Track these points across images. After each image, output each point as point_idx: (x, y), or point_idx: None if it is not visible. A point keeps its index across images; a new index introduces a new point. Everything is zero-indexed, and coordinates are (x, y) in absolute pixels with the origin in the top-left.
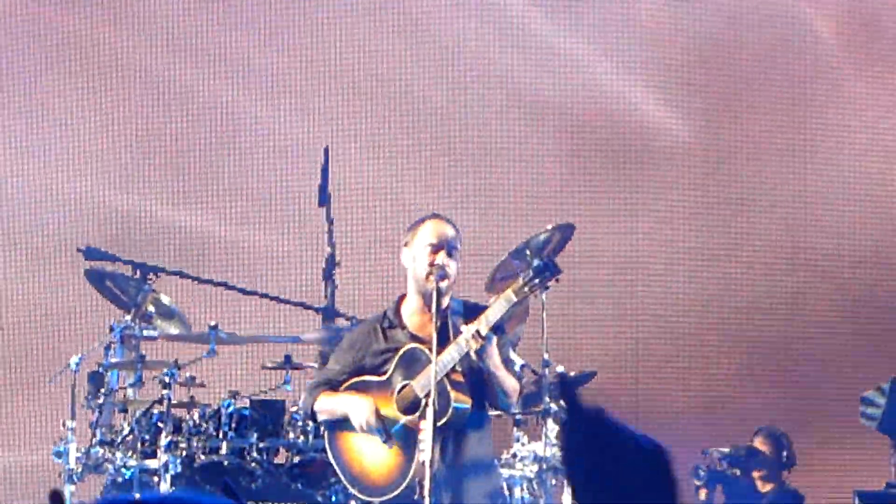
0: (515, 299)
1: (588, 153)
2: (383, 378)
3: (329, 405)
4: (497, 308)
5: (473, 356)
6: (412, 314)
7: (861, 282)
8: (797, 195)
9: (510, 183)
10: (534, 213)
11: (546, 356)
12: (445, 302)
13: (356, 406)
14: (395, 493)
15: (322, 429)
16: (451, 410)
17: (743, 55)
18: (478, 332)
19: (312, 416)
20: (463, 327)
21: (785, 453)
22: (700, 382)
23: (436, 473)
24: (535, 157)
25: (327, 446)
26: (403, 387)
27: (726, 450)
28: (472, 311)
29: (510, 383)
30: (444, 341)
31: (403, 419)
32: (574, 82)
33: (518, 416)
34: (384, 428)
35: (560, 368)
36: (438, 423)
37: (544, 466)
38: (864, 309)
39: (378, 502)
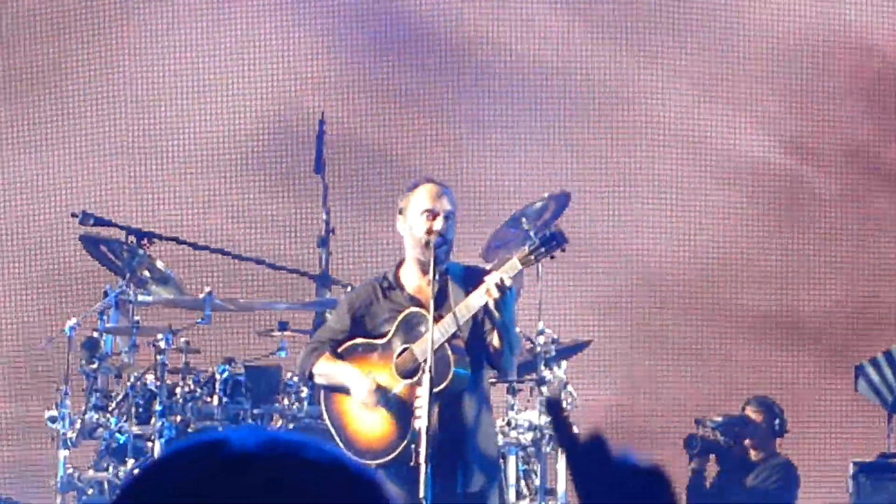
0: (521, 267)
1: (586, 121)
2: (383, 341)
3: (328, 371)
4: (504, 275)
5: (492, 307)
6: (410, 279)
7: (860, 251)
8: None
9: (507, 150)
10: (530, 181)
11: (541, 325)
12: (444, 266)
13: (356, 383)
14: (391, 457)
15: (317, 394)
16: (450, 376)
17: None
18: (502, 280)
19: (308, 377)
20: (488, 277)
21: (777, 422)
22: (694, 351)
23: (433, 438)
24: (533, 125)
25: (323, 408)
26: (403, 350)
27: (719, 419)
28: (472, 274)
29: (517, 342)
30: (442, 306)
31: (402, 383)
32: (573, 50)
33: (513, 384)
34: (383, 390)
35: (555, 336)
36: (437, 389)
37: (539, 434)
38: (861, 278)
39: (374, 465)
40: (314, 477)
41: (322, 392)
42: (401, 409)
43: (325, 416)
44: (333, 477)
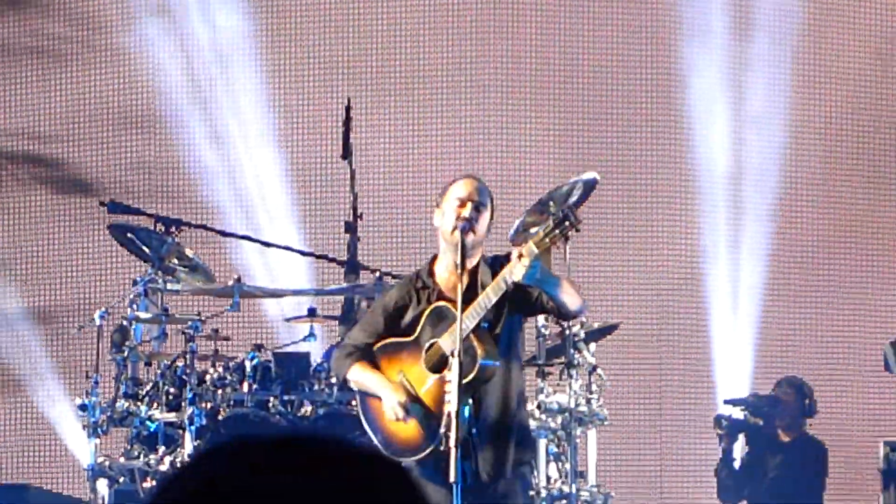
0: (537, 251)
1: (613, 107)
2: (412, 338)
3: (361, 380)
4: (527, 253)
5: (522, 282)
6: (443, 274)
7: (888, 229)
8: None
9: (535, 135)
10: (558, 166)
11: None
12: (474, 261)
13: (386, 398)
14: (426, 452)
15: (354, 396)
16: (477, 367)
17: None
18: (520, 255)
19: (343, 381)
20: (513, 255)
21: (807, 402)
22: (723, 333)
23: (468, 429)
24: (559, 111)
25: (359, 409)
26: (432, 345)
27: (749, 399)
28: (497, 263)
29: (566, 286)
30: (471, 300)
31: (431, 378)
32: (605, 32)
33: (543, 368)
34: (413, 387)
35: (584, 320)
36: (465, 380)
37: (569, 417)
38: (891, 258)
39: (412, 461)
40: (342, 475)
41: (358, 395)
42: (433, 404)
43: (362, 416)
44: (361, 473)
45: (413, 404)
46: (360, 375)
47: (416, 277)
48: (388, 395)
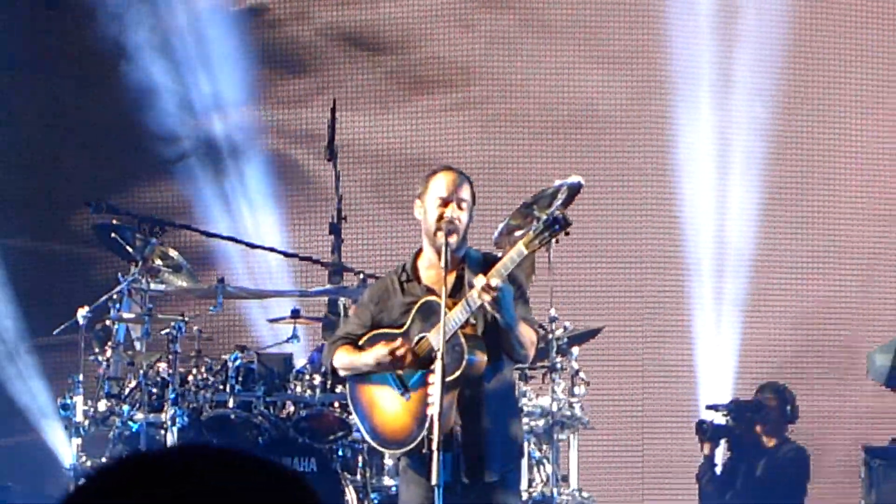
0: (526, 252)
1: (599, 109)
2: (401, 330)
3: (346, 360)
4: (509, 261)
5: (489, 308)
6: (427, 267)
7: (877, 241)
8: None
9: (520, 138)
10: (542, 170)
11: (553, 311)
12: (461, 252)
13: (374, 358)
14: (413, 444)
15: (328, 384)
16: (464, 363)
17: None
18: (488, 284)
19: (333, 372)
20: (475, 280)
21: (789, 407)
22: (706, 338)
23: (453, 427)
24: (545, 116)
25: (349, 400)
26: (421, 339)
27: (730, 404)
28: (489, 262)
29: (527, 334)
30: (459, 294)
31: (420, 372)
32: (591, 41)
33: (525, 371)
34: (402, 379)
35: (567, 324)
36: (452, 377)
37: (551, 421)
38: (874, 265)
39: (399, 454)
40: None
41: (348, 385)
42: (421, 397)
43: (352, 407)
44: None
45: (400, 372)
46: (344, 357)
47: (400, 270)
48: (374, 358)
